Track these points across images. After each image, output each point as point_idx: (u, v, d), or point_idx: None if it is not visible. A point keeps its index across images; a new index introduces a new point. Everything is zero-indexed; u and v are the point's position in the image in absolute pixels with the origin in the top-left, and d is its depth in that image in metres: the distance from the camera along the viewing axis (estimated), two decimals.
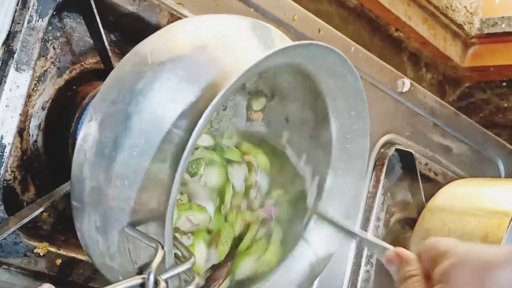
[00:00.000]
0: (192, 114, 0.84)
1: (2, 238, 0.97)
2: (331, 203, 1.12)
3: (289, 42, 0.95)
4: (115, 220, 0.87)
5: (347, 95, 1.07)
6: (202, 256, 1.06)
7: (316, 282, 1.39)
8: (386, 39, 1.83)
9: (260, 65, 0.85)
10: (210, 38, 0.90)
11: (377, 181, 1.50)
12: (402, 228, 1.58)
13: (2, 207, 0.99)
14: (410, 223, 1.57)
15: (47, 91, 1.08)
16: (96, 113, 0.88)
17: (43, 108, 1.07)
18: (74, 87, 1.10)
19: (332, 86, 1.06)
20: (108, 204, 0.86)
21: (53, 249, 1.04)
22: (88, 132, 0.88)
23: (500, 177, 1.83)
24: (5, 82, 0.98)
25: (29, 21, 1.00)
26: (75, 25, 1.08)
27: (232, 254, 1.09)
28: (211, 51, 0.89)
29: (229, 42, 0.91)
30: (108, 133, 0.87)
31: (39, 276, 1.03)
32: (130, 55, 0.91)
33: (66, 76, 1.10)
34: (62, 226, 1.08)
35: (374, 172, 1.51)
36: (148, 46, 0.90)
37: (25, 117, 1.02)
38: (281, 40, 0.97)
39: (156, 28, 1.10)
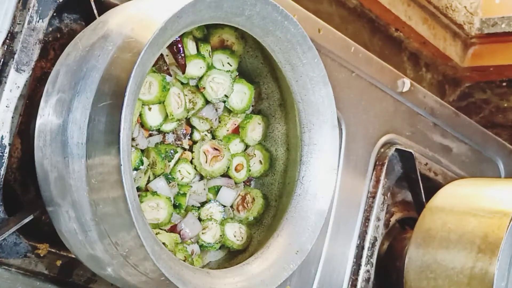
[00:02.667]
0: None
1: (2, 238, 0.97)
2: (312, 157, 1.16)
3: None
4: (84, 204, 0.90)
5: (292, 43, 1.09)
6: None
7: (316, 282, 1.40)
8: (386, 39, 1.83)
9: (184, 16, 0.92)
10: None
11: (377, 181, 1.50)
12: (402, 228, 1.58)
13: (2, 208, 0.99)
14: (410, 223, 1.57)
15: None
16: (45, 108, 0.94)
17: None
18: None
19: (273, 37, 1.08)
20: (71, 188, 0.90)
21: (53, 250, 1.04)
22: (40, 129, 0.94)
23: (500, 177, 1.83)
24: (5, 82, 0.98)
25: (29, 22, 1.00)
26: (75, 26, 1.08)
27: None
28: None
29: None
30: (56, 120, 0.92)
31: (39, 277, 1.03)
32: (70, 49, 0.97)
33: None
34: None
35: (374, 172, 1.51)
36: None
37: (26, 117, 1.02)
38: None
39: None
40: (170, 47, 1.08)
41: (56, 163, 0.92)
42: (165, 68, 1.09)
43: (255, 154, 1.21)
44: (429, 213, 1.48)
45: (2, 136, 0.98)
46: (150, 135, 1.11)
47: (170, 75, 1.10)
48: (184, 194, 1.12)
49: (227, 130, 1.18)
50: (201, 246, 1.15)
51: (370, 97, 1.50)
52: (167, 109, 1.07)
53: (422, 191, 1.56)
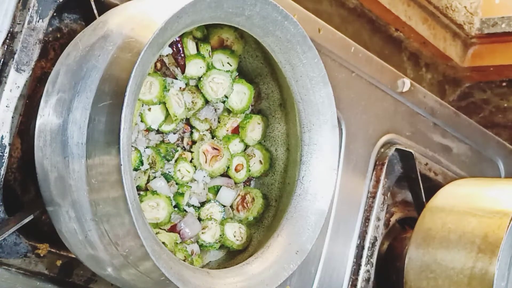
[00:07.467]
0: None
1: (2, 238, 0.97)
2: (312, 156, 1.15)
3: None
4: (84, 204, 0.91)
5: (292, 43, 1.09)
6: None
7: (316, 282, 1.40)
8: (386, 39, 1.83)
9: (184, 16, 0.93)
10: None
11: (377, 181, 1.50)
12: (402, 228, 1.58)
13: (2, 208, 0.99)
14: (410, 223, 1.57)
15: None
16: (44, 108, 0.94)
17: None
18: None
19: (273, 37, 1.08)
20: (71, 188, 0.91)
21: (53, 250, 1.04)
22: (40, 129, 0.94)
23: (500, 177, 1.83)
24: (5, 82, 0.98)
25: (29, 22, 1.00)
26: (75, 26, 1.08)
27: None
28: None
29: None
30: (56, 120, 0.92)
31: (39, 277, 1.03)
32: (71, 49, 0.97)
33: None
34: None
35: (374, 172, 1.51)
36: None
37: (26, 117, 1.02)
38: None
39: None
40: (170, 47, 1.08)
41: (56, 163, 0.92)
42: (169, 72, 1.10)
43: (255, 154, 1.21)
44: (429, 213, 1.49)
45: (2, 136, 0.98)
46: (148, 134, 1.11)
47: (176, 78, 1.10)
48: (183, 194, 1.12)
49: (227, 130, 1.18)
50: (201, 246, 1.15)
51: (370, 97, 1.50)
52: (170, 110, 1.07)
53: (422, 191, 1.56)
